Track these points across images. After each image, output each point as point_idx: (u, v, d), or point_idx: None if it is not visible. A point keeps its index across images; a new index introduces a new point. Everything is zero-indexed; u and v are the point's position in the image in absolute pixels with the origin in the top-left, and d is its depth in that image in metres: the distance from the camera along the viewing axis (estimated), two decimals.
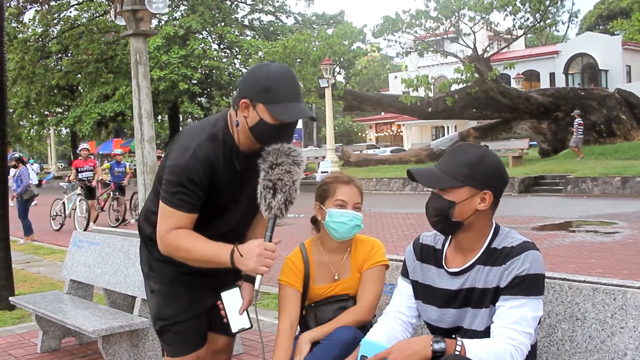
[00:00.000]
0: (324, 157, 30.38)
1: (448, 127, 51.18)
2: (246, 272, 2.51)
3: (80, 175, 15.83)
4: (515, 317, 2.25)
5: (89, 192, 15.73)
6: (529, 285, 2.28)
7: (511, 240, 2.39)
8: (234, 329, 2.59)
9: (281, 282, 2.98)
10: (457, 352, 2.22)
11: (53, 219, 16.38)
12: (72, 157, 50.84)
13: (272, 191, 2.49)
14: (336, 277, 2.99)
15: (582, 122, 24.24)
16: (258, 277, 2.48)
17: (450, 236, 2.53)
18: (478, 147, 2.47)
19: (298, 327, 3.01)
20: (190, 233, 2.58)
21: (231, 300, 2.58)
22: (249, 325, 2.61)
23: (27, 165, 27.73)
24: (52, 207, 16.60)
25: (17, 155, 14.93)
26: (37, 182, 27.16)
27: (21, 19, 39.94)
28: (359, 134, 69.19)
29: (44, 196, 26.29)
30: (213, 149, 2.56)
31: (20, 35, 39.15)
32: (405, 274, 2.66)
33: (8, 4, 35.98)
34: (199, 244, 2.56)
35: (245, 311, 2.58)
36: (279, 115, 2.45)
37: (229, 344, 3.06)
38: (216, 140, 2.58)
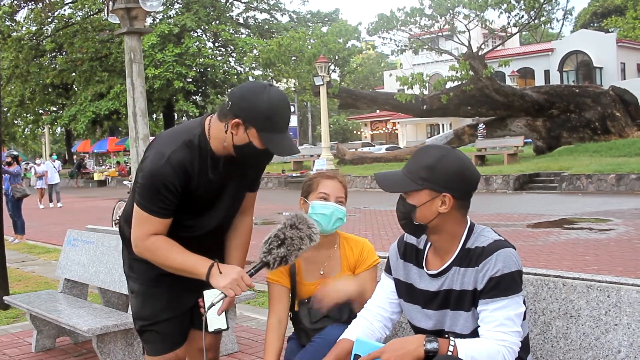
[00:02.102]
0: (319, 155, 30.36)
1: (443, 125, 51.24)
2: (215, 287, 2.55)
3: None
4: (500, 319, 2.25)
5: None
6: (506, 286, 2.27)
7: (483, 239, 2.37)
8: (210, 328, 2.62)
9: (268, 279, 3.02)
10: (449, 352, 2.22)
11: (116, 224, 14.12)
12: (66, 156, 50.80)
13: (279, 242, 2.57)
14: (321, 272, 3.02)
15: (484, 127, 26.74)
16: (220, 295, 2.55)
17: (426, 238, 2.53)
18: (439, 149, 2.43)
19: (291, 322, 3.05)
20: (168, 241, 2.64)
21: (212, 299, 2.59)
22: (226, 327, 2.64)
23: (49, 161, 25.61)
24: (115, 210, 15.05)
25: (14, 153, 14.88)
26: (58, 180, 25.37)
27: (15, 18, 39.84)
28: (354, 131, 69.22)
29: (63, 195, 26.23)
30: (188, 156, 2.57)
31: (14, 33, 39.09)
32: (388, 270, 2.66)
33: (2, 3, 35.90)
34: (177, 254, 2.63)
35: (223, 312, 2.61)
36: (271, 147, 2.49)
37: (215, 342, 3.07)
38: (192, 147, 2.59)
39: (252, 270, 2.60)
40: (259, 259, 2.60)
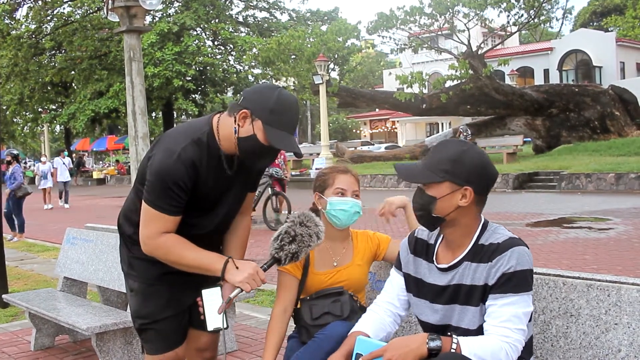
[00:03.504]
0: (318, 154, 30.34)
1: (442, 124, 51.24)
2: (229, 282, 2.59)
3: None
4: (507, 315, 2.25)
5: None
6: (518, 282, 2.28)
7: (498, 236, 2.38)
8: (209, 328, 2.61)
9: (280, 269, 3.01)
10: (452, 350, 2.22)
11: None
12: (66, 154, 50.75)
13: (290, 239, 2.61)
14: (335, 264, 3.08)
15: (471, 137, 25.93)
16: (237, 290, 2.58)
17: (439, 232, 2.54)
18: (461, 143, 2.47)
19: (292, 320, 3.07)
20: (180, 239, 2.64)
21: (211, 298, 2.60)
22: (225, 326, 2.63)
23: (60, 157, 23.37)
24: None
25: (14, 152, 14.85)
26: (69, 178, 23.42)
27: (14, 16, 39.76)
28: (354, 130, 69.18)
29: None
30: (197, 153, 2.59)
31: (14, 31, 38.93)
32: (398, 266, 2.68)
33: (1, 1, 35.84)
34: (191, 251, 2.63)
35: (223, 311, 2.61)
36: (272, 140, 2.50)
37: (213, 341, 3.06)
38: (200, 145, 2.60)
39: (265, 266, 2.63)
40: (269, 255, 2.62)
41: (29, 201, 16.16)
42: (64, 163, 23.01)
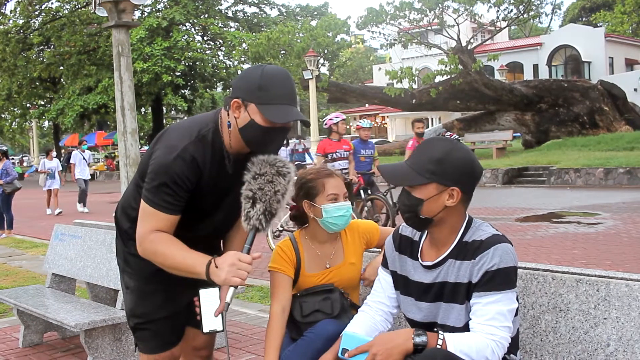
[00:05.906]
0: (308, 149, 30.30)
1: (432, 119, 51.29)
2: (219, 284, 2.42)
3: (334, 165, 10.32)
4: (492, 313, 2.25)
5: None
6: (501, 280, 2.27)
7: (481, 233, 2.37)
8: (205, 329, 2.53)
9: (272, 268, 2.97)
10: (438, 346, 2.22)
11: (274, 238, 9.70)
12: (54, 150, 50.56)
13: (251, 201, 2.42)
14: (327, 265, 3.03)
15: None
16: (231, 290, 2.43)
17: (425, 230, 2.52)
18: (446, 142, 2.42)
19: None
20: (169, 238, 2.50)
21: (208, 299, 2.51)
22: (221, 329, 2.55)
23: (78, 151, 19.11)
24: None
25: (3, 148, 14.74)
26: (89, 177, 19.16)
27: (2, 11, 39.52)
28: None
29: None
30: (201, 151, 2.47)
31: (1, 26, 38.75)
32: (385, 264, 2.67)
33: None
34: (176, 251, 2.48)
35: (220, 314, 2.53)
36: (270, 117, 2.35)
37: (210, 340, 3.01)
38: (205, 142, 2.49)
39: (247, 245, 2.45)
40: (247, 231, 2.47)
41: (28, 209, 16.07)
42: (83, 157, 18.77)
